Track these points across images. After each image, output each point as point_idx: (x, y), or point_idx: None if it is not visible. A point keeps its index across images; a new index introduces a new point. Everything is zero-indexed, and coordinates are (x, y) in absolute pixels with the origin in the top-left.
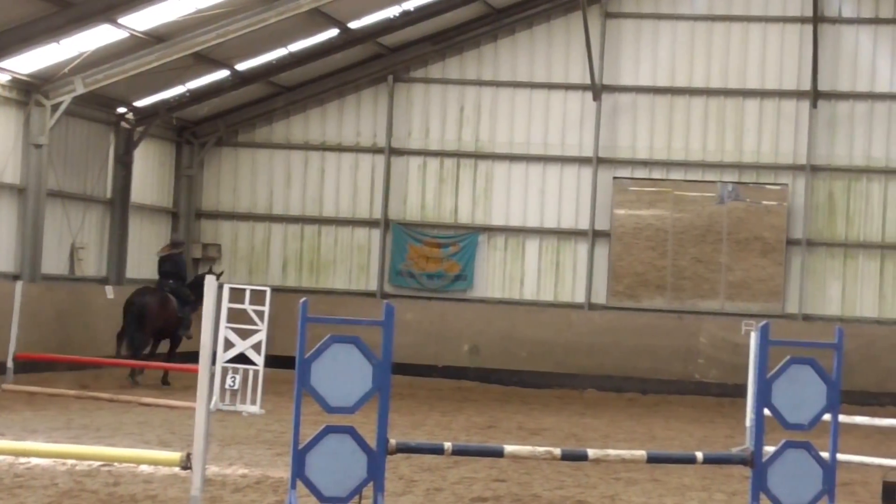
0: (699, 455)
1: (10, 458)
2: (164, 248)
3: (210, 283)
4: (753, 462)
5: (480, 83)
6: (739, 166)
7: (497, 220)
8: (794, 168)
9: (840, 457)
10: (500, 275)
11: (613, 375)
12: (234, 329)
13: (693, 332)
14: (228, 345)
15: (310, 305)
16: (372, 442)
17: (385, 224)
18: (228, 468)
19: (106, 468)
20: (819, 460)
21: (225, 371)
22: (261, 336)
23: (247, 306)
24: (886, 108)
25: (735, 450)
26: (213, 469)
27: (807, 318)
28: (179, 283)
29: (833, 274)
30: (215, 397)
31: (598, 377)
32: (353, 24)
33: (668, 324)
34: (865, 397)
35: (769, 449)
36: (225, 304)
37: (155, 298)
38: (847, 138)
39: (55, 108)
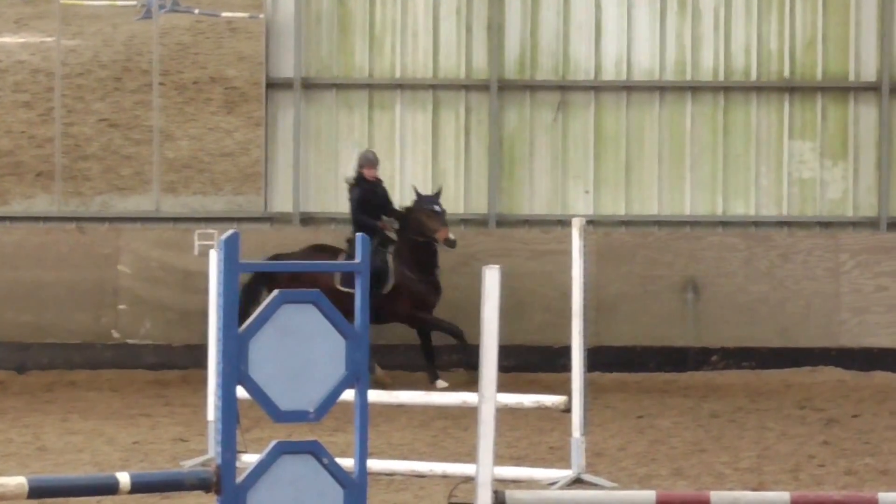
0: (122, 478)
1: None
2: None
3: None
4: (220, 484)
5: None
6: None
7: None
8: None
9: (376, 464)
10: None
11: None
12: None
13: (107, 256)
14: None
15: None
16: None
17: None
18: None
19: None
20: (336, 472)
21: None
22: None
23: None
24: None
25: (189, 463)
26: None
27: (309, 218)
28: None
29: (350, 137)
30: None
31: None
32: None
33: (62, 242)
34: (418, 355)
35: (250, 459)
36: None
37: None
38: None
39: None
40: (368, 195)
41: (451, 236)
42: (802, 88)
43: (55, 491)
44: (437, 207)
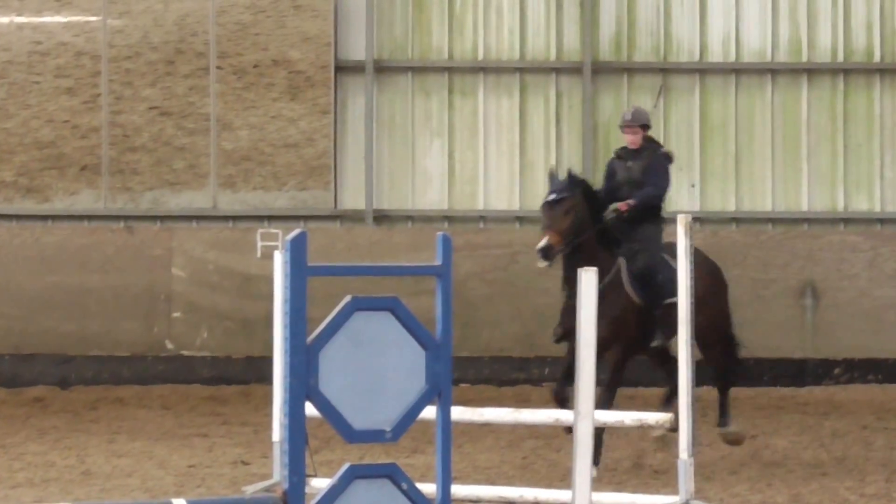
0: None
1: None
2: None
3: None
4: None
5: None
6: None
7: None
8: None
9: (460, 490)
10: None
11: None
12: None
13: (159, 259)
14: None
15: None
16: None
17: None
18: None
19: None
20: (416, 499)
21: None
22: None
23: None
24: None
25: (252, 488)
26: None
27: (383, 216)
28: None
29: (427, 125)
30: None
31: None
32: None
33: (109, 243)
34: (506, 368)
35: (319, 483)
36: None
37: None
38: None
39: None
40: (606, 171)
41: (542, 243)
42: None
43: None
44: (551, 196)
